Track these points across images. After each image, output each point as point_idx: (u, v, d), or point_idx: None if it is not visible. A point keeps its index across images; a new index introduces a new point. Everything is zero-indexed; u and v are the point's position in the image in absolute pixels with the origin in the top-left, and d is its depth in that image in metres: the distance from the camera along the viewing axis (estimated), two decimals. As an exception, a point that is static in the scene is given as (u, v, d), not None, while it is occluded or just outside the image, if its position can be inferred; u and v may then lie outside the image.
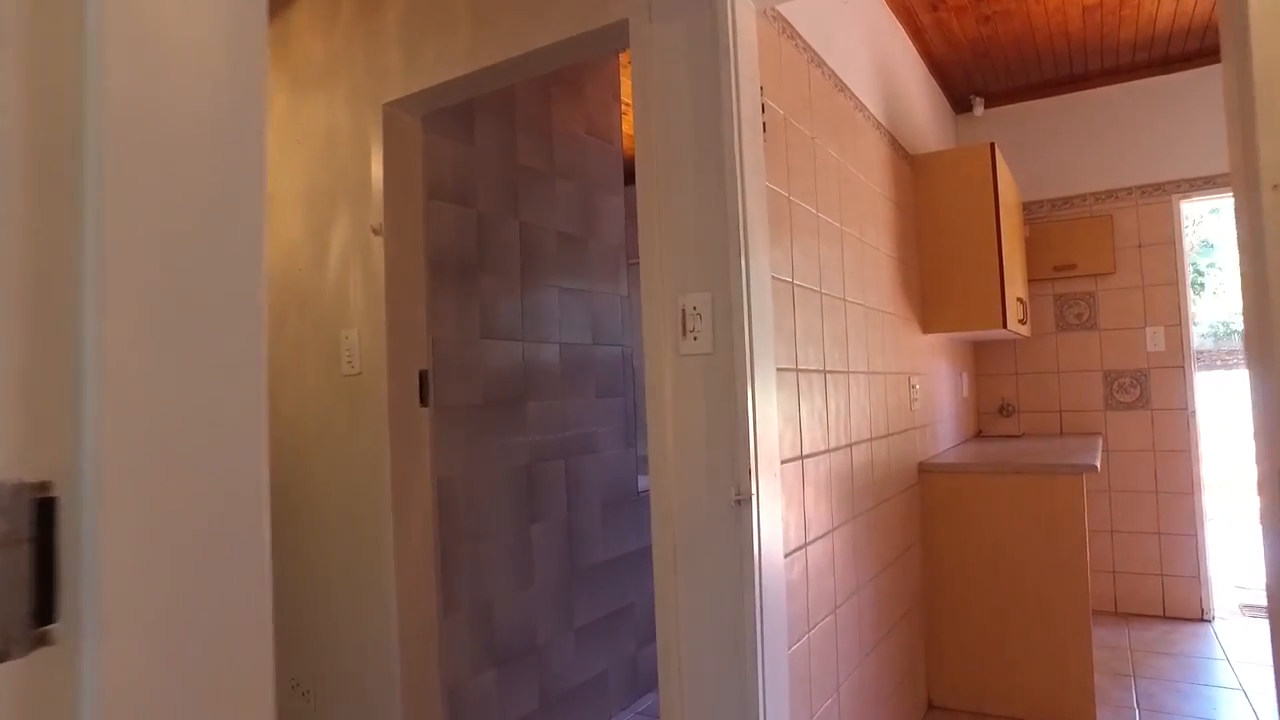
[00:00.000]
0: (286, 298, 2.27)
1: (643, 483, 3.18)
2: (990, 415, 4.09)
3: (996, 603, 2.64)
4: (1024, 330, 3.49)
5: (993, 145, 2.89)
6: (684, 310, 1.53)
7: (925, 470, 2.80)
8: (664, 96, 1.56)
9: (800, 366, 1.80)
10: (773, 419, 1.53)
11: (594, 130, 2.92)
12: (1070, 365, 3.86)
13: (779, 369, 1.67)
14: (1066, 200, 3.86)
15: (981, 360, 4.10)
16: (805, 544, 1.76)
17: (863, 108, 2.47)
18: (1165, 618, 3.55)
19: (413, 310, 2.09)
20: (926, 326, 3.03)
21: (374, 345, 2.03)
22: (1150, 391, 3.66)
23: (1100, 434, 3.76)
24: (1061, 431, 3.89)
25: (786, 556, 1.64)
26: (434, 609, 2.11)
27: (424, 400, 2.11)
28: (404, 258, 2.08)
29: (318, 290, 2.19)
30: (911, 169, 3.04)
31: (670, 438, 1.52)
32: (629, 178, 4.25)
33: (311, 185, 2.23)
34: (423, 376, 2.11)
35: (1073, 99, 3.84)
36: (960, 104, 4.11)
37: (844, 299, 2.16)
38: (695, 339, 1.51)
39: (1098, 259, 3.74)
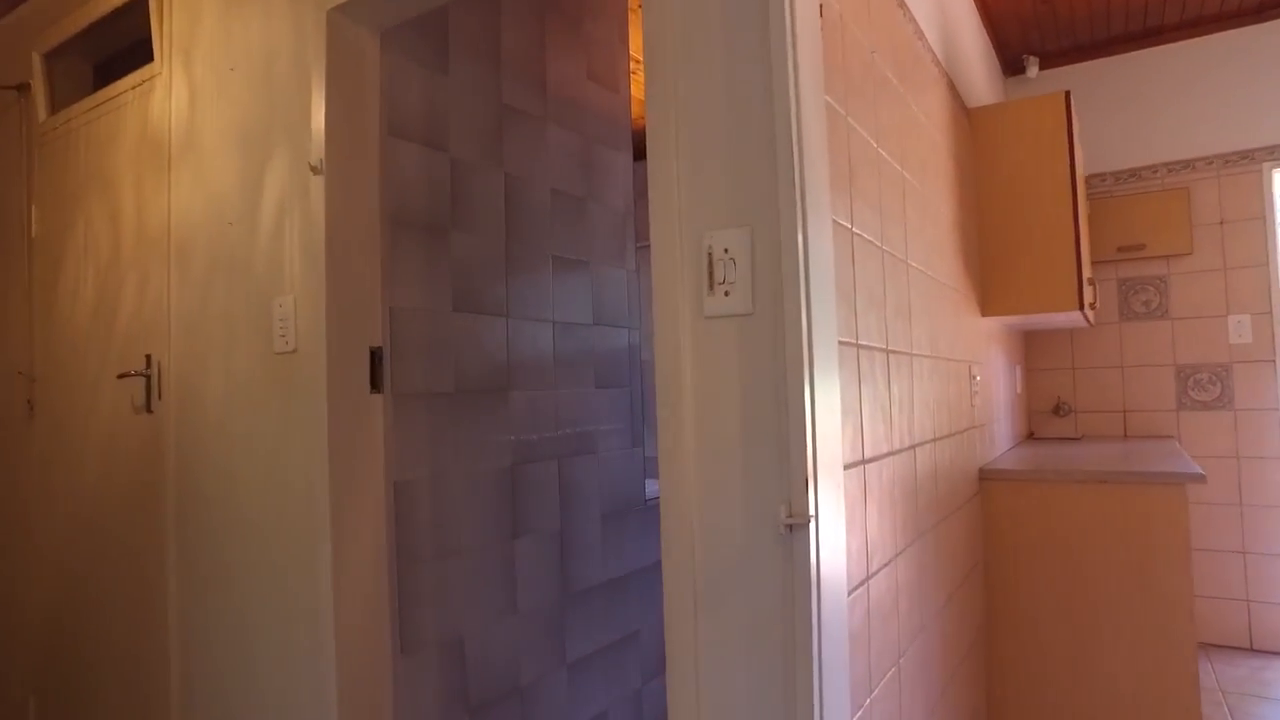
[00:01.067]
0: (215, 260, 1.84)
1: (651, 489, 2.75)
2: (1043, 415, 3.63)
3: (1075, 636, 2.19)
4: (1090, 317, 3.04)
5: (1067, 94, 2.44)
6: (710, 253, 1.09)
7: (987, 478, 2.35)
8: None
9: (861, 341, 1.36)
10: (835, 410, 1.09)
11: (596, 75, 2.49)
12: (1136, 359, 3.40)
13: (840, 342, 1.23)
14: (1134, 172, 3.40)
15: (1034, 352, 3.65)
16: (867, 578, 1.32)
17: (922, 36, 2.03)
18: (1253, 650, 3.09)
19: (362, 272, 1.66)
20: (986, 308, 2.58)
21: (313, 316, 1.60)
22: (1233, 389, 3.19)
23: (1172, 437, 3.30)
24: (1126, 434, 3.43)
25: (849, 595, 1.20)
26: (386, 648, 1.68)
27: (376, 385, 1.68)
28: (352, 206, 1.65)
29: (249, 249, 1.77)
30: (970, 123, 2.60)
31: (690, 435, 1.09)
32: (639, 153, 3.81)
33: (245, 121, 1.80)
34: (375, 356, 1.68)
35: (1143, 57, 3.38)
36: (1012, 66, 3.66)
37: (906, 261, 1.71)
38: (727, 294, 1.08)
39: (1171, 238, 3.28)
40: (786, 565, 1.00)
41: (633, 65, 3.26)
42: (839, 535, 1.06)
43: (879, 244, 1.51)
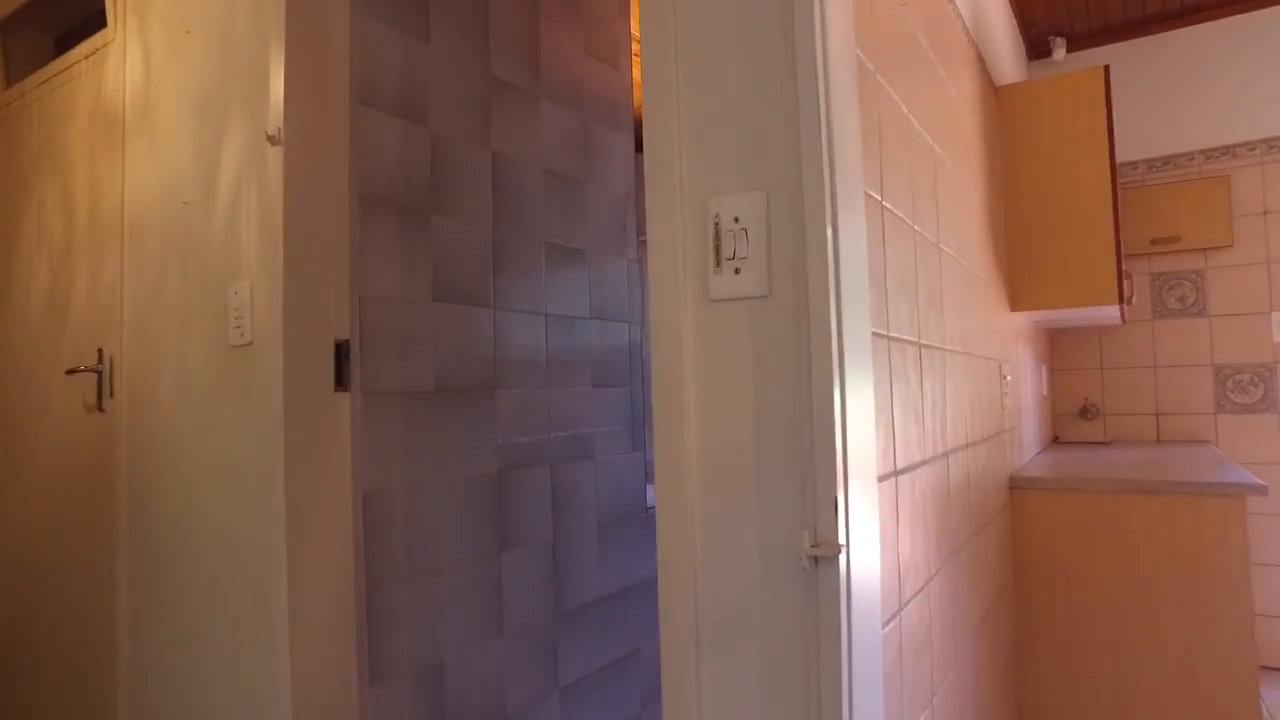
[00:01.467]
0: (169, 243, 1.67)
1: (652, 495, 2.56)
2: (1068, 418, 3.43)
3: (1118, 662, 2.00)
4: (1126, 312, 2.84)
5: (1106, 69, 2.24)
6: (717, 223, 0.90)
7: (1018, 487, 2.16)
8: None
9: (892, 333, 1.17)
10: (868, 413, 0.90)
11: (595, 50, 2.31)
12: (1170, 358, 3.20)
13: (873, 334, 1.04)
14: (1168, 160, 3.19)
15: (1059, 351, 3.45)
16: (900, 609, 1.13)
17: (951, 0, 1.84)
18: (1299, 671, 2.88)
19: (326, 255, 1.48)
20: (1015, 302, 2.38)
21: (271, 304, 1.42)
22: (1277, 391, 2.98)
23: (1209, 442, 3.10)
24: (1159, 438, 3.23)
25: (883, 629, 1.01)
26: (352, 677, 1.49)
27: (342, 382, 1.49)
28: (315, 181, 1.47)
29: (205, 230, 1.59)
30: (998, 103, 2.40)
31: (692, 443, 0.90)
32: (640, 144, 3.61)
33: (200, 89, 1.62)
34: (340, 349, 1.50)
35: (1179, 36, 3.18)
36: (1037, 49, 3.46)
37: (938, 246, 1.52)
38: (737, 272, 0.89)
39: (1209, 229, 3.07)
40: (809, 605, 0.81)
41: (635, 48, 3.07)
42: (873, 566, 0.87)
43: (910, 223, 1.32)
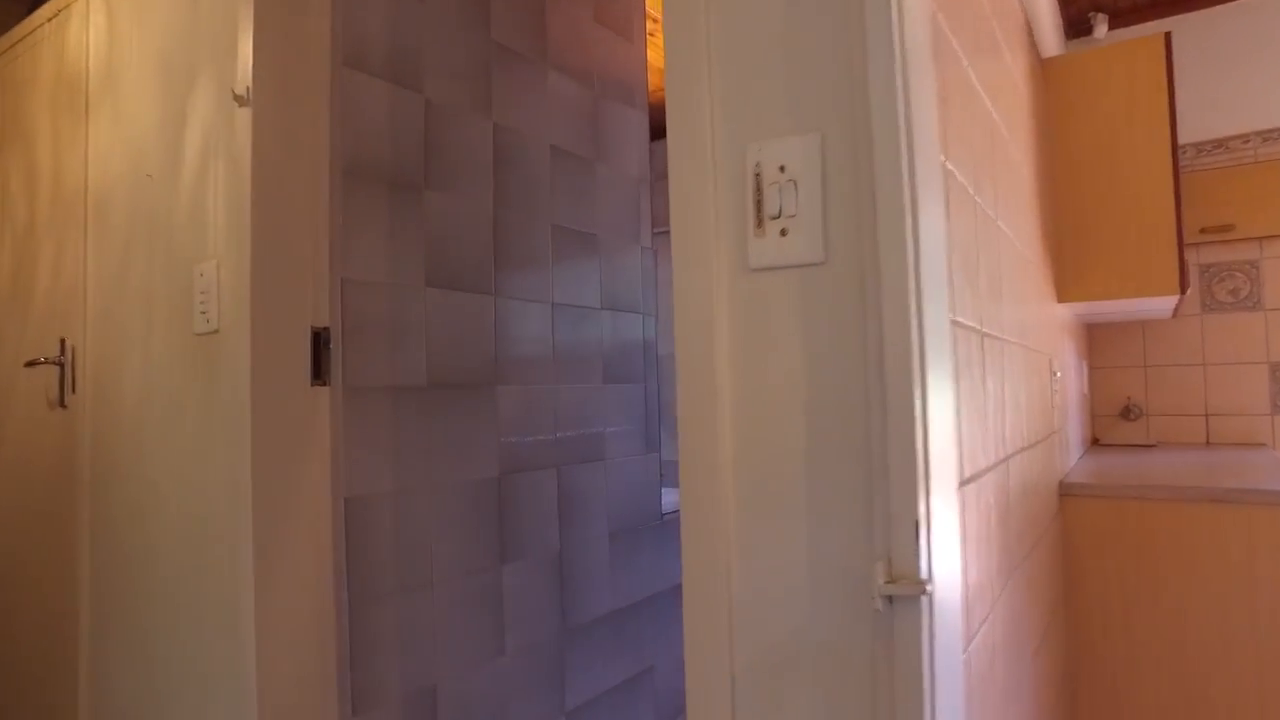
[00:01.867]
0: (134, 220, 1.50)
1: (669, 499, 2.38)
2: (1109, 419, 3.22)
3: (1183, 691, 1.80)
4: (1180, 304, 2.64)
5: (1168, 35, 2.05)
6: (759, 174, 0.72)
7: (1069, 494, 1.97)
8: None
9: (958, 317, 0.99)
10: (950, 412, 0.72)
11: (606, 20, 2.13)
12: (1222, 355, 2.99)
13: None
14: (1220, 143, 2.98)
15: (1097, 348, 3.24)
16: (967, 644, 0.95)
17: (1004, -47, 1.65)
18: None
19: (302, 232, 1.31)
20: (1063, 291, 2.19)
21: (240, 287, 1.25)
22: (1339, 390, 2.77)
23: (1265, 445, 2.89)
24: (1208, 441, 3.02)
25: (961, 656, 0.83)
26: (333, 707, 1.32)
27: (320, 376, 1.32)
28: (290, 147, 1.30)
29: (170, 205, 1.42)
30: (1044, 76, 2.21)
31: (726, 446, 0.72)
32: (655, 133, 3.45)
33: (167, 47, 1.46)
34: (318, 338, 1.33)
35: (1232, 10, 2.97)
36: (1075, 26, 3.26)
37: (997, 224, 1.34)
38: (784, 233, 0.71)
39: (1266, 217, 2.86)
40: (880, 655, 0.63)
41: (650, 26, 2.89)
42: (955, 601, 0.69)
43: (973, 194, 1.14)
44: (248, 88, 1.24)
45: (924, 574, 0.61)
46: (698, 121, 0.75)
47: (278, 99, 1.28)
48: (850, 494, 0.66)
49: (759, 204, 0.72)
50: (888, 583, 0.60)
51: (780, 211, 0.71)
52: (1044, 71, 2.21)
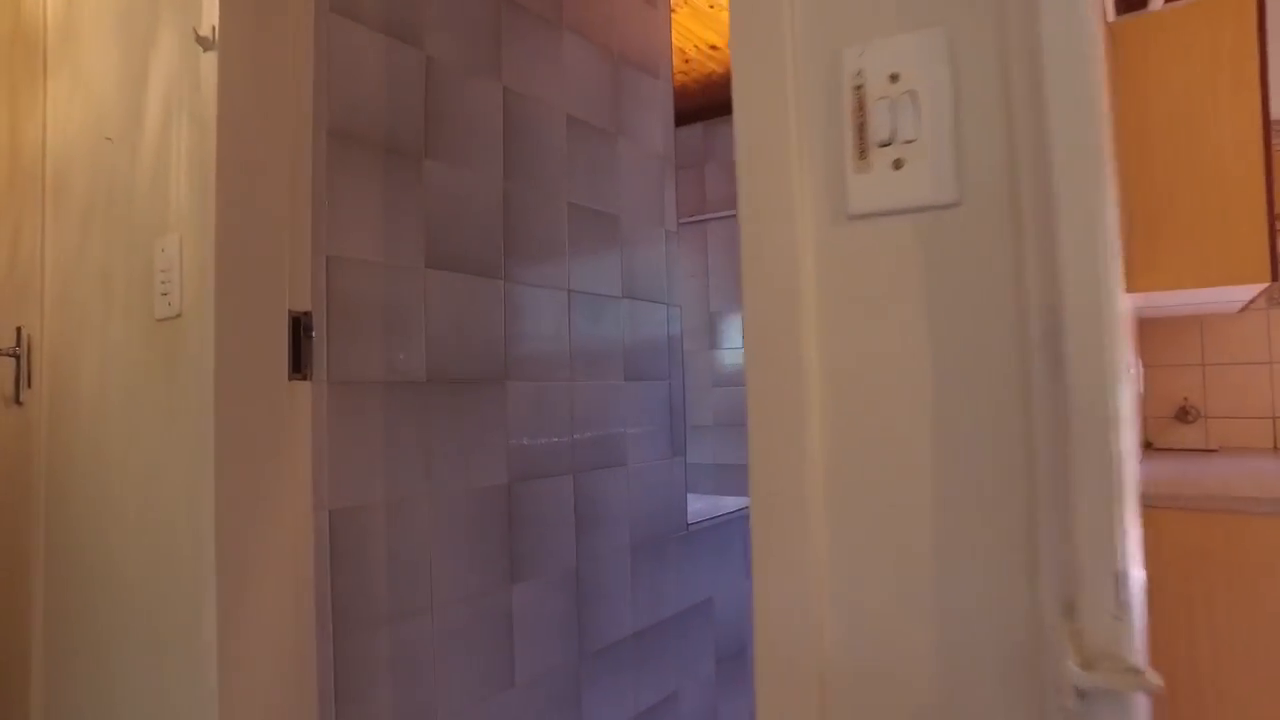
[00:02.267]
0: (93, 192, 1.32)
1: (694, 507, 2.19)
2: (1162, 420, 3.00)
3: (1280, 728, 1.59)
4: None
5: (1256, -7, 1.83)
6: (859, 86, 0.52)
7: (1144, 505, 1.76)
8: None
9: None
10: (1128, 414, 0.52)
11: (629, -20, 1.93)
12: (1290, 353, 2.76)
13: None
14: (1288, 123, 2.75)
15: (1149, 344, 3.02)
16: None
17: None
18: None
19: (280, 201, 1.12)
20: (1132, 279, 1.98)
21: (204, 263, 1.06)
22: None
23: (1339, 450, 2.66)
24: (1276, 446, 2.79)
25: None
26: (313, 756, 1.13)
27: (300, 368, 1.13)
28: (265, 101, 1.11)
29: (130, 172, 1.23)
30: (1111, 40, 2.00)
31: (814, 454, 0.53)
32: (679, 119, 3.23)
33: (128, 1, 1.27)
34: (298, 325, 1.14)
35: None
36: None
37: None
38: (898, 165, 0.51)
39: (1341, 202, 2.63)
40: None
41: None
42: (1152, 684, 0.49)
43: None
44: (213, 27, 1.06)
45: (1135, 654, 0.40)
46: (772, 19, 0.55)
47: (249, 43, 1.09)
48: (1002, 525, 0.46)
49: (861, 127, 0.52)
50: (1084, 668, 0.40)
51: (893, 136, 0.51)
52: (1110, 35, 1.99)
